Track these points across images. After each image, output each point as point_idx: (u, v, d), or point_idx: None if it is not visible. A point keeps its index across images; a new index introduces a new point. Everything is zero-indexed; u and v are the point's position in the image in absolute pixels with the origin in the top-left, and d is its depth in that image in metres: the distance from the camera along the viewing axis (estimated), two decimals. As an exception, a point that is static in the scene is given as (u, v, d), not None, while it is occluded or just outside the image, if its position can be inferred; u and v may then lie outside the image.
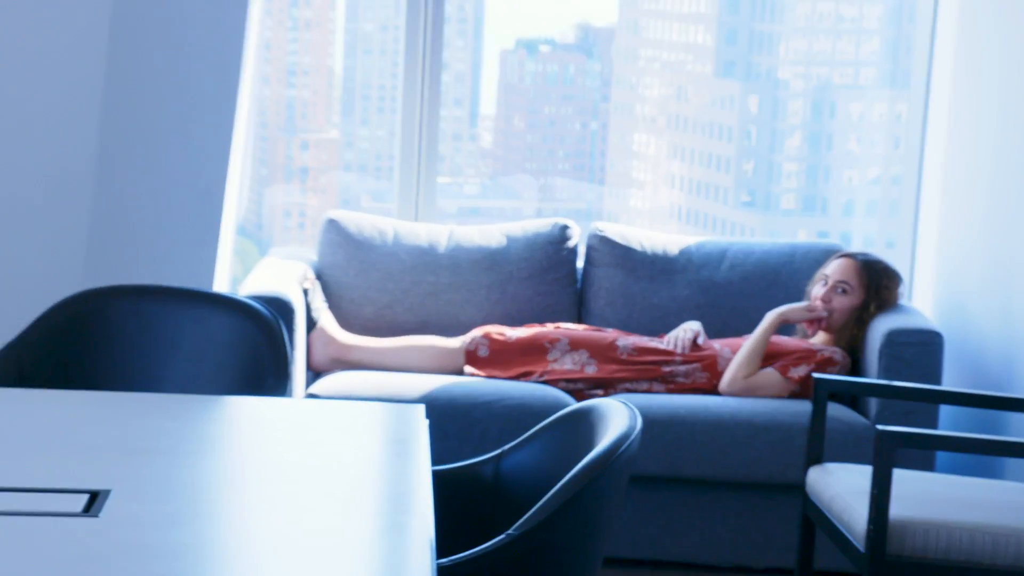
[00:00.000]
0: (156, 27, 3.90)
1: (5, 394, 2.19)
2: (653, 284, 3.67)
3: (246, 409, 2.25)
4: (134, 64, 3.93)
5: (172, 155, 3.98)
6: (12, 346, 2.45)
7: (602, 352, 3.46)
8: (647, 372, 3.40)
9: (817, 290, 3.48)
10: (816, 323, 3.51)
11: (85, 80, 3.94)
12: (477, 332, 3.50)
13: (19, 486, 1.56)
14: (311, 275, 3.59)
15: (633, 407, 1.87)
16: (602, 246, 3.71)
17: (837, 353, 3.44)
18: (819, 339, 3.52)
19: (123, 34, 3.95)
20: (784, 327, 3.52)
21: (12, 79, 4.01)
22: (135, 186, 3.99)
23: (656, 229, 4.06)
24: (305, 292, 3.51)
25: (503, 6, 4.56)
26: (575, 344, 3.50)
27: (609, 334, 3.49)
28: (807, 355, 3.44)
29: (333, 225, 3.74)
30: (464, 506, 2.03)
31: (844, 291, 3.47)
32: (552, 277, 3.72)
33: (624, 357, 3.44)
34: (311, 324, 3.55)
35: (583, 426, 1.91)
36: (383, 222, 3.84)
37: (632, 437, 1.71)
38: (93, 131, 3.91)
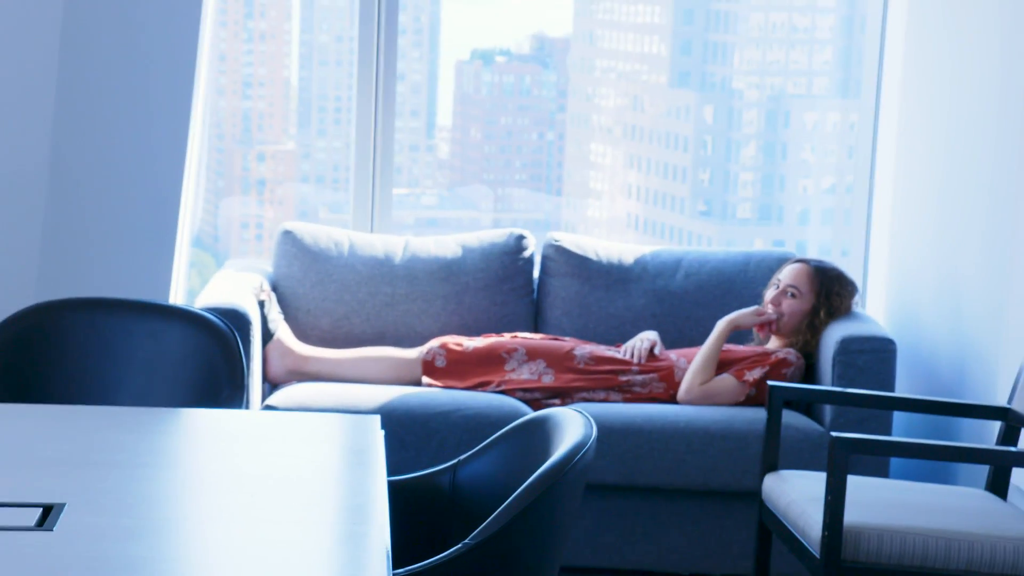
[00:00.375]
0: (108, 38, 3.89)
1: None
2: (609, 293, 3.68)
3: (202, 421, 2.24)
4: (86, 75, 3.92)
5: (126, 166, 3.97)
6: None
7: (559, 361, 3.45)
8: (604, 382, 3.39)
9: (768, 294, 3.52)
10: (767, 327, 3.53)
11: (36, 90, 3.94)
12: (434, 343, 3.49)
13: None
14: (267, 287, 3.57)
15: (588, 416, 1.89)
16: (558, 255, 3.70)
17: (791, 354, 3.44)
18: (772, 344, 3.55)
19: (74, 45, 3.98)
20: (738, 334, 3.53)
21: None
22: (88, 197, 3.97)
23: (613, 239, 4.08)
24: (261, 304, 3.47)
25: (458, 17, 4.54)
26: (532, 354, 3.49)
27: (566, 343, 3.48)
28: (761, 358, 3.45)
29: (288, 236, 3.71)
30: (421, 516, 2.02)
31: (794, 295, 3.48)
32: (508, 287, 3.72)
33: (581, 367, 3.44)
34: (267, 336, 3.52)
35: (539, 435, 1.92)
36: (339, 233, 3.82)
37: (588, 445, 1.71)
38: (45, 141, 3.91)
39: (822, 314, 3.24)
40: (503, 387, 3.36)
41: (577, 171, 4.49)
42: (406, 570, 1.58)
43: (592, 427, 1.77)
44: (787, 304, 3.50)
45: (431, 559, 1.64)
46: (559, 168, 4.51)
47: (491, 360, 3.48)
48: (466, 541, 1.66)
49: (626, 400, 3.36)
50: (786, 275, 3.48)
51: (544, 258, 3.72)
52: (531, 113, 4.60)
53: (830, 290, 3.29)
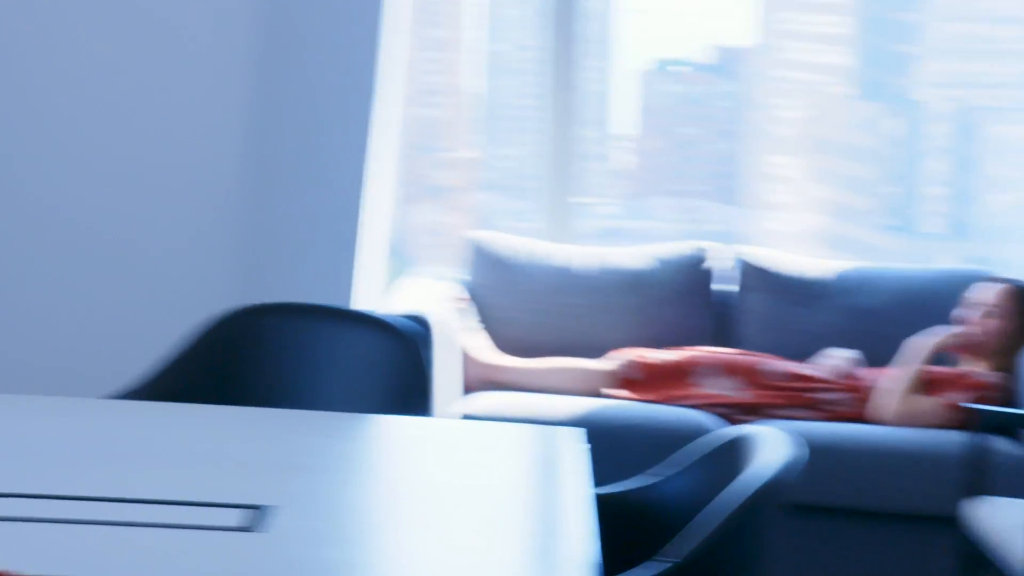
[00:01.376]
0: (294, 51, 4.10)
1: (163, 408, 2.30)
2: (801, 309, 3.69)
3: (395, 428, 2.31)
4: (275, 90, 4.13)
5: (310, 174, 4.14)
6: (172, 362, 2.53)
7: (751, 377, 3.48)
8: (796, 398, 3.40)
9: (967, 315, 3.46)
10: (967, 349, 3.47)
11: (230, 108, 4.16)
12: (625, 354, 3.53)
13: (180, 499, 1.61)
14: (462, 295, 3.70)
15: (796, 437, 1.89)
16: (750, 270, 3.75)
17: (993, 376, 3.39)
18: (970, 365, 3.47)
19: (265, 61, 4.15)
20: (937, 354, 3.44)
21: (162, 111, 4.24)
22: (278, 207, 4.18)
23: (797, 252, 4.09)
24: (456, 312, 3.58)
25: (638, 26, 4.61)
26: (723, 368, 3.53)
27: (758, 359, 3.51)
28: (962, 381, 3.39)
29: (481, 245, 3.83)
30: (620, 530, 1.98)
31: (994, 316, 3.42)
32: (693, 300, 3.78)
33: (773, 383, 3.45)
34: (464, 343, 3.63)
35: (742, 453, 1.91)
36: (528, 243, 3.93)
37: (795, 467, 1.72)
38: (238, 153, 4.15)
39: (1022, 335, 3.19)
40: (694, 401, 3.39)
41: (758, 183, 4.48)
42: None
43: (799, 449, 1.75)
44: (988, 325, 3.43)
45: (630, 571, 1.60)
46: (740, 179, 4.52)
47: (683, 374, 3.52)
48: (671, 558, 1.65)
49: (817, 418, 3.35)
50: (984, 294, 3.38)
51: (736, 272, 3.75)
52: (713, 123, 4.62)
53: None
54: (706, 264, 3.63)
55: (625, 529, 1.97)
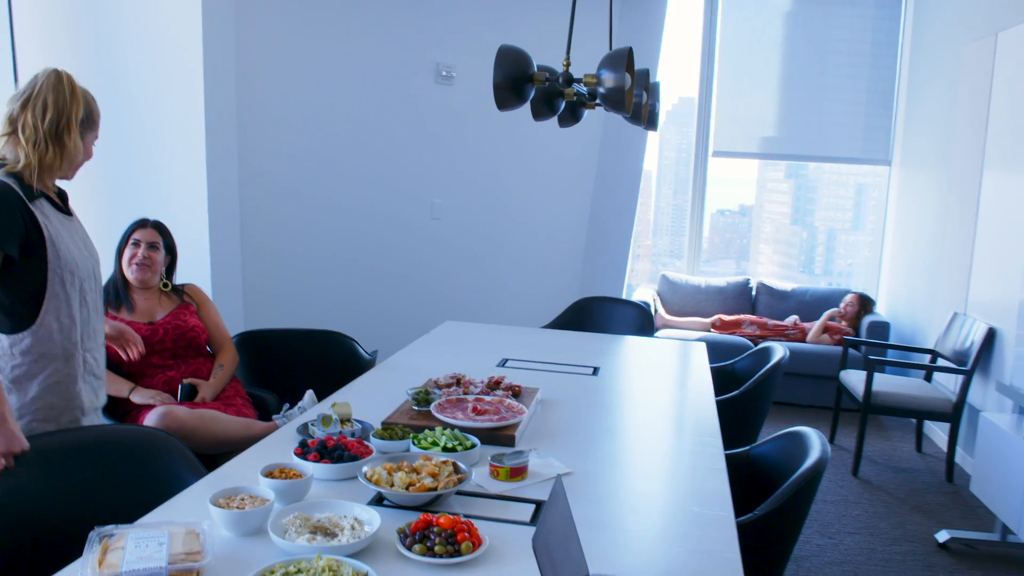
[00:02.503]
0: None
1: (556, 331, 4.59)
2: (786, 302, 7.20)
3: (636, 342, 4.43)
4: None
5: (616, 223, 6.90)
6: (556, 319, 5.03)
7: (762, 326, 6.73)
8: (778, 334, 6.67)
9: (845, 304, 6.40)
10: (842, 317, 6.40)
11: (583, 196, 6.93)
12: (722, 318, 6.76)
13: (562, 362, 3.76)
14: (654, 295, 7.08)
15: (785, 350, 3.78)
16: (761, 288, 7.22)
17: (850, 328, 6.21)
18: (841, 324, 6.38)
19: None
20: (831, 318, 6.55)
21: (550, 178, 6.89)
22: (595, 241, 6.92)
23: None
24: (653, 300, 6.76)
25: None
26: (750, 322, 6.79)
27: (767, 319, 6.85)
28: (838, 328, 6.32)
29: (663, 273, 7.23)
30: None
31: (852, 305, 6.42)
32: (740, 303, 7.23)
33: (771, 329, 6.72)
34: (658, 310, 6.95)
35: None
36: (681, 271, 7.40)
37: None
38: (588, 208, 6.98)
39: None
40: (740, 332, 6.68)
41: None
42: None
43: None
44: (848, 310, 6.53)
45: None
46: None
47: (736, 324, 6.77)
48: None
49: (785, 340, 6.49)
50: (849, 298, 6.42)
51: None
52: None
53: None
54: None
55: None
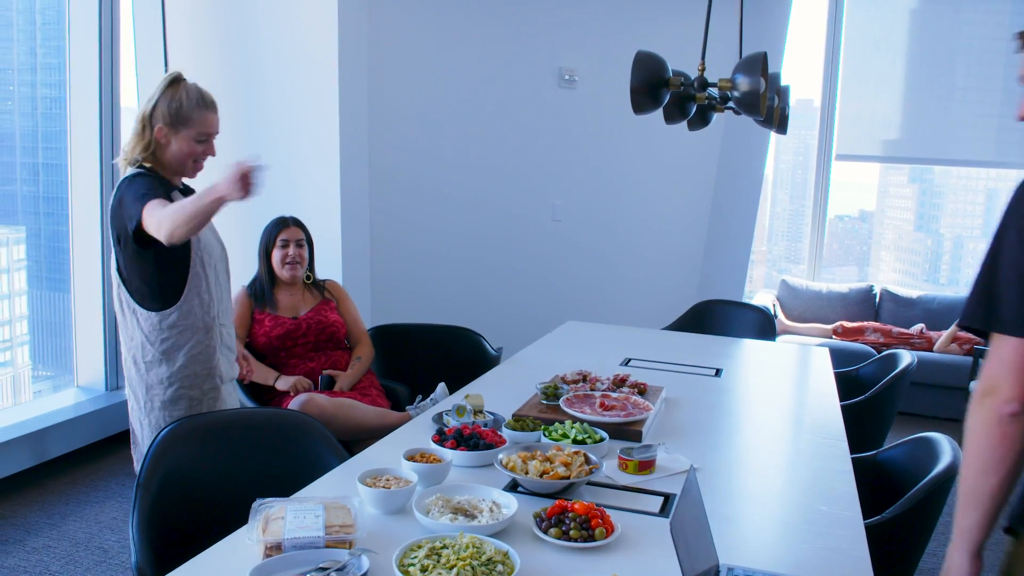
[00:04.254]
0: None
1: (678, 333, 5.20)
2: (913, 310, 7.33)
3: (756, 346, 4.56)
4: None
5: (738, 230, 6.98)
6: (675, 321, 5.12)
7: (886, 334, 6.89)
8: (903, 342, 6.77)
9: None
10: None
11: (702, 201, 7.01)
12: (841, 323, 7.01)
13: (687, 363, 3.86)
14: (774, 299, 7.54)
15: (912, 358, 3.90)
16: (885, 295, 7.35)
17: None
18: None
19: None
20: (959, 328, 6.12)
21: (673, 187, 6.94)
22: (716, 249, 7.00)
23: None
24: (773, 304, 7.30)
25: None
26: (874, 330, 6.93)
27: (891, 327, 6.91)
28: (966, 339, 6.57)
29: (782, 278, 7.47)
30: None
31: None
32: (863, 311, 7.36)
33: (896, 336, 6.91)
34: (778, 315, 7.20)
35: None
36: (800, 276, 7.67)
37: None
38: (707, 216, 6.99)
39: None
40: (863, 339, 6.93)
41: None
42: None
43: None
44: None
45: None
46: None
47: (859, 331, 7.00)
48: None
49: (912, 349, 6.57)
50: None
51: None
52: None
53: None
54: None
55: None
